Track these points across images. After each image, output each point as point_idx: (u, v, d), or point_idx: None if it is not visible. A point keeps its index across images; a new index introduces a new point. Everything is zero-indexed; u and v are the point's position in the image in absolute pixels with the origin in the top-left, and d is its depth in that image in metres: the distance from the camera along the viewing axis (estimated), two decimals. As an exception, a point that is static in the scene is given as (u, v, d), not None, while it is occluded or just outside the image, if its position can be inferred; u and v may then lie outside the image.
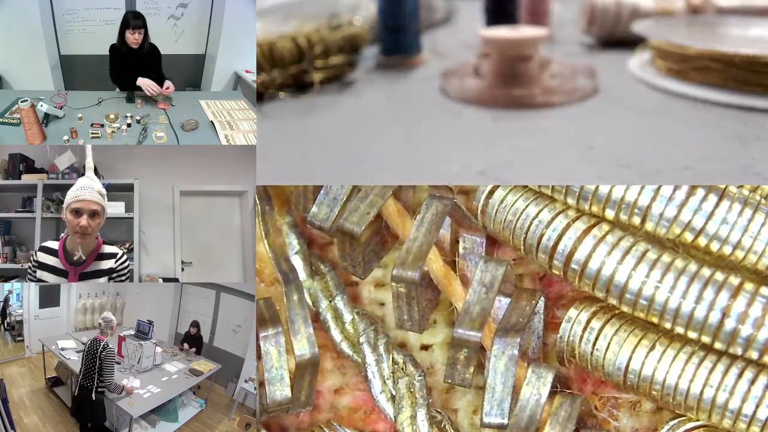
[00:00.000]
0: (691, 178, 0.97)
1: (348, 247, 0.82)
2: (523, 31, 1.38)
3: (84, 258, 1.12)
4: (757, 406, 0.72)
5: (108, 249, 1.16)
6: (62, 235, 1.18)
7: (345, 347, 0.88)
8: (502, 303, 0.81)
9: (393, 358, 0.86)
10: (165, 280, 2.05)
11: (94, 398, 1.47)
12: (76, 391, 1.52)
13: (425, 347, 0.90)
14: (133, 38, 1.71)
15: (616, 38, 1.58)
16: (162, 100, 1.69)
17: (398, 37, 1.50)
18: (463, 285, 0.82)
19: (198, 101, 1.76)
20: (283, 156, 1.12)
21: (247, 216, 2.14)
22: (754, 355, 0.72)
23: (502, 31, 1.36)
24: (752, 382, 0.72)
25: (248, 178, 1.88)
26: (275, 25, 1.43)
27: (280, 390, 0.81)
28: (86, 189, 1.10)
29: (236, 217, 2.18)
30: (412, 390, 0.84)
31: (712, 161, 1.03)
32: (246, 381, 1.91)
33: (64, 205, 1.12)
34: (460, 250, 0.85)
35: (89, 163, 1.22)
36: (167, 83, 1.70)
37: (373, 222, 0.82)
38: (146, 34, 1.73)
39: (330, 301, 0.89)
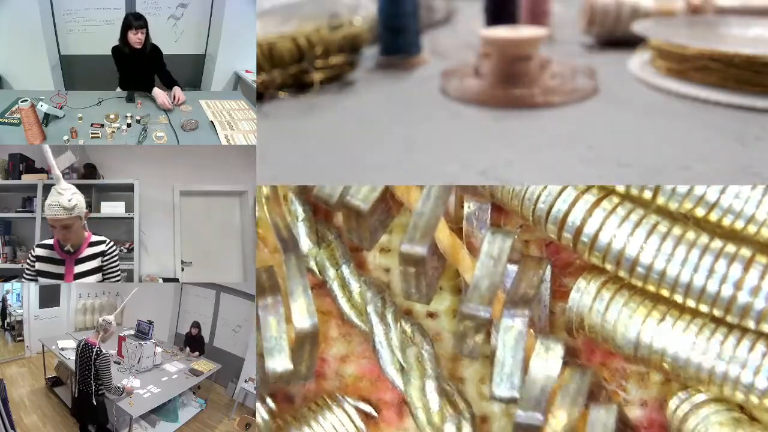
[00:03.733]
0: (691, 178, 0.97)
1: (354, 222, 0.81)
2: (523, 31, 1.38)
3: (74, 249, 1.21)
4: None
5: (96, 238, 1.24)
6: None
7: (353, 316, 0.87)
8: (508, 269, 0.80)
9: (401, 328, 0.85)
10: (165, 280, 2.05)
11: (95, 402, 1.47)
12: (77, 394, 1.52)
13: (431, 314, 0.90)
14: (136, 38, 1.71)
15: (616, 38, 1.58)
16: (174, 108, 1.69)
17: (398, 37, 1.50)
18: (470, 252, 0.81)
19: (198, 101, 1.76)
20: (283, 156, 1.12)
21: (247, 216, 2.14)
22: (766, 328, 0.71)
23: (502, 31, 1.36)
24: (765, 355, 0.71)
25: (248, 178, 1.88)
26: (275, 25, 1.43)
27: (281, 361, 0.79)
28: (52, 207, 1.16)
29: (236, 217, 2.18)
30: (420, 360, 0.83)
31: (712, 161, 1.03)
32: (246, 381, 1.91)
33: None
34: (465, 215, 0.84)
35: (56, 173, 1.24)
36: (178, 93, 1.70)
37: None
38: (147, 35, 1.73)
39: (337, 270, 0.88)
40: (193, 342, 2.18)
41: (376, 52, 1.52)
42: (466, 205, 0.84)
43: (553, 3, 1.63)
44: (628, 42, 1.49)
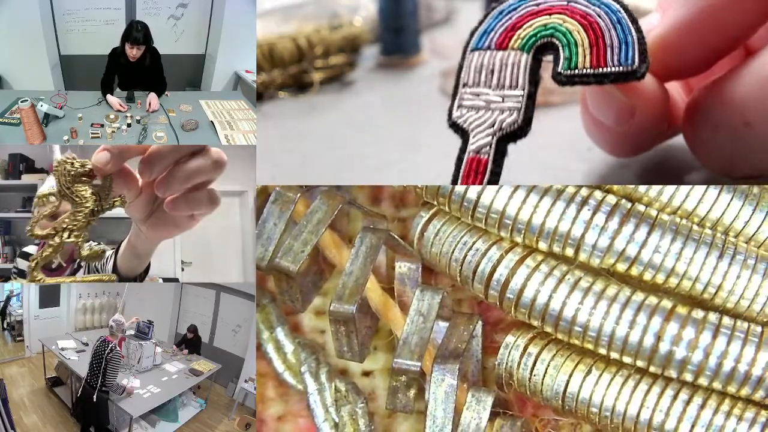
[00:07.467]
0: (691, 178, 0.97)
1: (285, 284, 0.82)
2: (523, 31, 1.38)
3: (63, 264, 1.08)
4: (693, 426, 0.72)
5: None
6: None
7: (288, 377, 0.90)
8: (440, 326, 0.82)
9: (335, 387, 0.88)
10: (165, 280, 2.05)
11: (96, 399, 1.48)
12: (80, 392, 1.53)
13: (366, 373, 0.92)
14: (132, 53, 1.70)
15: (616, 38, 1.58)
16: (142, 114, 1.68)
17: (398, 37, 1.50)
18: (402, 311, 0.83)
19: (198, 101, 1.77)
20: (283, 156, 1.12)
21: (247, 216, 2.14)
22: (688, 377, 0.73)
23: (502, 31, 1.36)
24: (687, 402, 0.73)
25: (248, 178, 1.89)
26: (275, 25, 1.43)
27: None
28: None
29: (236, 217, 2.18)
30: (354, 417, 0.87)
31: (712, 161, 1.03)
32: (246, 381, 1.91)
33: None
34: (397, 275, 0.86)
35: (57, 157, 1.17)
36: (152, 101, 1.70)
37: (309, 253, 0.83)
38: (147, 48, 1.72)
39: (271, 333, 0.91)
40: (190, 345, 2.18)
41: (376, 52, 1.52)
42: (397, 265, 0.86)
43: (553, 3, 1.63)
44: (628, 42, 1.49)
